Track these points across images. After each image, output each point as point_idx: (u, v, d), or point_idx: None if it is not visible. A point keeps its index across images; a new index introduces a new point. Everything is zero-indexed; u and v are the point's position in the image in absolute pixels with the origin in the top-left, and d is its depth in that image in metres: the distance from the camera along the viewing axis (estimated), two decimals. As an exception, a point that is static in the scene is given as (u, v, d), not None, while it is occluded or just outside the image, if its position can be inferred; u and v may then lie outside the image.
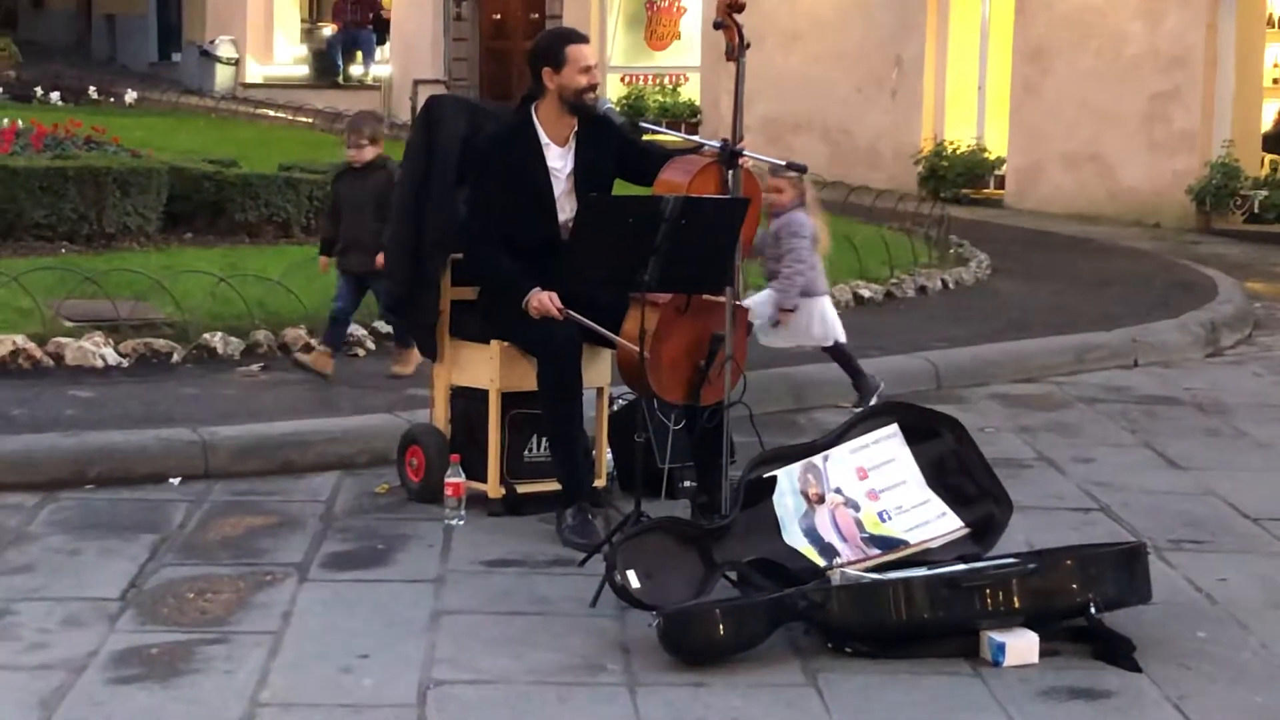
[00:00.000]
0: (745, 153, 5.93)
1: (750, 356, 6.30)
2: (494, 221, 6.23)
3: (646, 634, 4.95)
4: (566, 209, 6.25)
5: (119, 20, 30.65)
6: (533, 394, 6.18)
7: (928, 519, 5.56)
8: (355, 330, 8.77)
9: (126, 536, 5.98)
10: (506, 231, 6.22)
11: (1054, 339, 9.98)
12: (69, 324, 8.46)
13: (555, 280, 5.97)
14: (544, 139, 6.29)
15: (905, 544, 5.47)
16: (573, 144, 6.32)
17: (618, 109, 6.62)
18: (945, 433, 5.80)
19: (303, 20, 27.46)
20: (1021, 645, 4.95)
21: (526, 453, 6.39)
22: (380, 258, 7.38)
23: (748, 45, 5.95)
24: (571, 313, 6.03)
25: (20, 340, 7.99)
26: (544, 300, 6.03)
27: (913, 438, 5.72)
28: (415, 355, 7.87)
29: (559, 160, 6.30)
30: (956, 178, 17.97)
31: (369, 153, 8.22)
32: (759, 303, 7.99)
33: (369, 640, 5.02)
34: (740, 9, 5.93)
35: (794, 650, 5.00)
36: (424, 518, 6.26)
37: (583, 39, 6.39)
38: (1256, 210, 15.98)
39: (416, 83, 21.96)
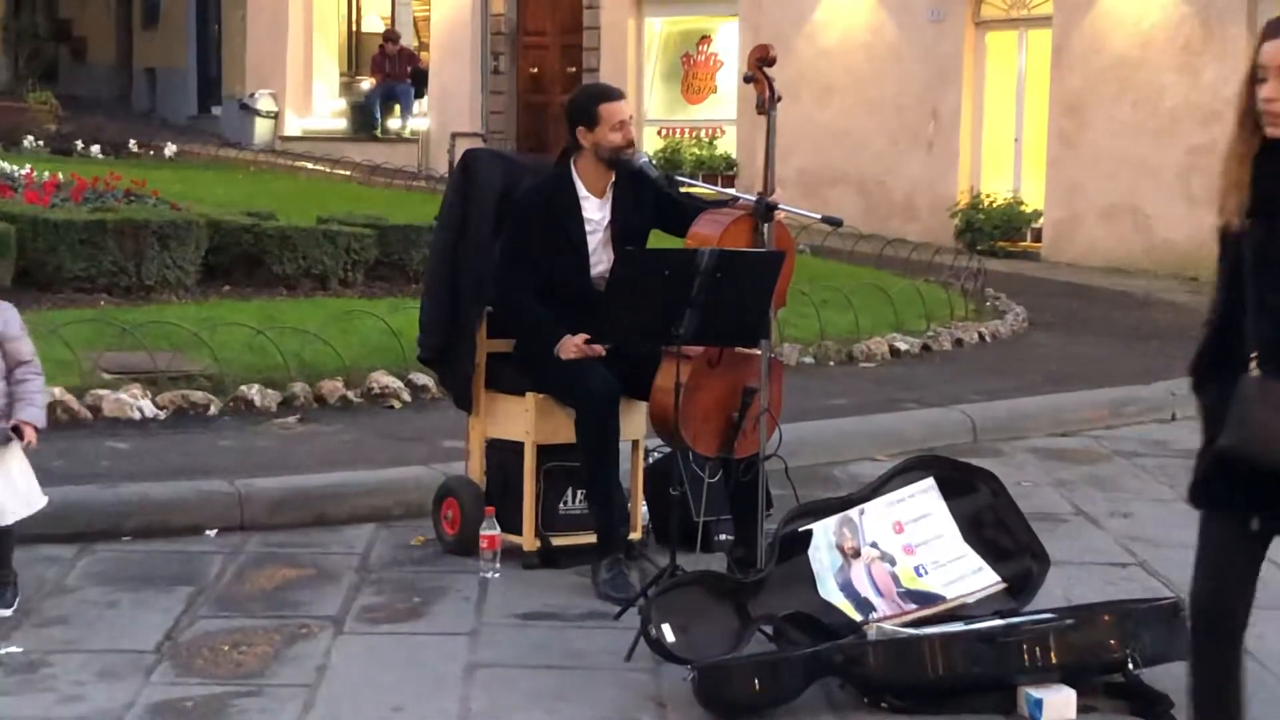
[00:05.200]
0: (780, 205, 5.95)
1: (785, 409, 6.28)
2: (528, 272, 6.26)
3: (681, 688, 4.93)
4: (603, 260, 6.26)
5: (160, 74, 30.93)
6: (568, 446, 6.19)
7: (964, 574, 5.54)
8: (390, 382, 8.79)
9: (162, 588, 5.99)
10: (541, 282, 6.25)
11: (1091, 392, 9.94)
12: (107, 376, 8.49)
13: (590, 332, 6.00)
14: (582, 191, 6.33)
15: (942, 599, 5.45)
16: (610, 195, 6.36)
17: (654, 162, 6.64)
18: (982, 487, 5.78)
19: (341, 74, 27.63)
20: (1059, 701, 4.91)
21: (561, 505, 6.39)
22: None
23: (779, 99, 5.97)
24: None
25: (59, 392, 8.02)
26: (578, 343, 6.06)
27: (949, 492, 5.70)
28: None
29: (597, 211, 6.33)
30: (993, 230, 17.93)
31: None
32: None
33: (404, 693, 5.01)
34: (771, 63, 5.96)
35: (829, 705, 4.97)
36: (459, 570, 6.26)
37: (617, 95, 6.41)
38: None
39: (454, 136, 22.08)
